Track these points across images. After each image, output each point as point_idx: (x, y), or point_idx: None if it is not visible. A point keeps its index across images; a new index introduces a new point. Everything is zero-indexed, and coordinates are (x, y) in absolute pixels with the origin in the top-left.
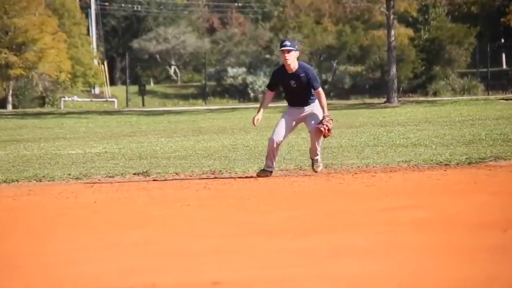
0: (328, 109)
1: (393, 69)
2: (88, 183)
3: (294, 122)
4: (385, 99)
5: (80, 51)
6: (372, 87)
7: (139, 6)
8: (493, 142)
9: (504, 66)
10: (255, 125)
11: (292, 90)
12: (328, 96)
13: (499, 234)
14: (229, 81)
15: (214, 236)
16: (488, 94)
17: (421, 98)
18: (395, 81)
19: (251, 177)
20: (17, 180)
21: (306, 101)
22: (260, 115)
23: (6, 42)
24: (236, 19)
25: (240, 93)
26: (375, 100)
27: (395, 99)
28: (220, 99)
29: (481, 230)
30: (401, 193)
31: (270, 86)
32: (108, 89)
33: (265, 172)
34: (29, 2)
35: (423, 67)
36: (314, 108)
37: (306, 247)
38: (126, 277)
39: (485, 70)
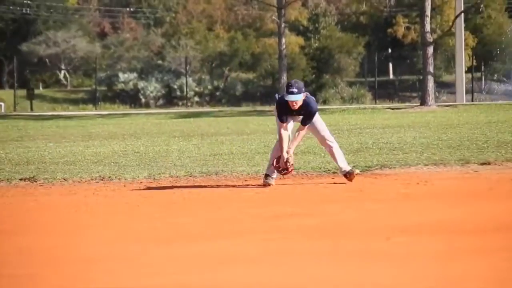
0: (220, 116)
1: (284, 77)
2: None
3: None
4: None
5: None
6: (264, 95)
7: (28, 9)
8: (379, 151)
9: (391, 76)
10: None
11: (293, 114)
12: (219, 102)
13: (382, 242)
14: (120, 86)
15: (101, 242)
16: (376, 103)
17: None
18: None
19: (141, 183)
20: None
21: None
22: (289, 152)
23: None
24: (128, 24)
25: (131, 98)
26: (266, 108)
27: None
28: (111, 104)
29: (366, 237)
30: (290, 200)
31: (282, 120)
32: None
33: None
34: None
35: (313, 75)
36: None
37: (195, 254)
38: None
39: (372, 79)
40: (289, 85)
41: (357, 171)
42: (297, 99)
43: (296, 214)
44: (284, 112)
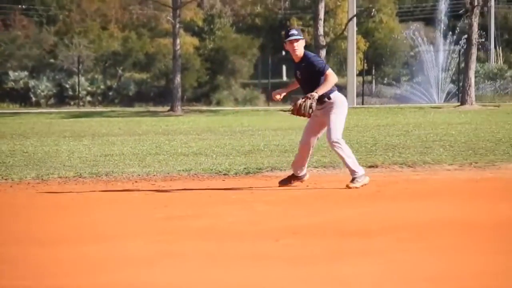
0: (112, 116)
1: (178, 78)
2: None
3: (317, 122)
4: (169, 108)
5: None
6: (157, 95)
7: None
8: (271, 153)
9: (285, 78)
10: (278, 99)
11: (299, 81)
12: (112, 102)
13: (271, 243)
14: (10, 85)
15: None
16: (269, 105)
17: (204, 108)
18: (179, 90)
19: (28, 183)
20: None
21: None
22: (282, 91)
23: None
24: (20, 22)
25: (22, 97)
26: (159, 108)
27: (179, 107)
28: (1, 103)
29: (255, 239)
30: (180, 202)
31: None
32: None
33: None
34: None
35: (208, 77)
36: (334, 108)
37: (82, 256)
38: None
39: (266, 81)
40: (287, 30)
41: (354, 185)
42: (298, 37)
43: (186, 216)
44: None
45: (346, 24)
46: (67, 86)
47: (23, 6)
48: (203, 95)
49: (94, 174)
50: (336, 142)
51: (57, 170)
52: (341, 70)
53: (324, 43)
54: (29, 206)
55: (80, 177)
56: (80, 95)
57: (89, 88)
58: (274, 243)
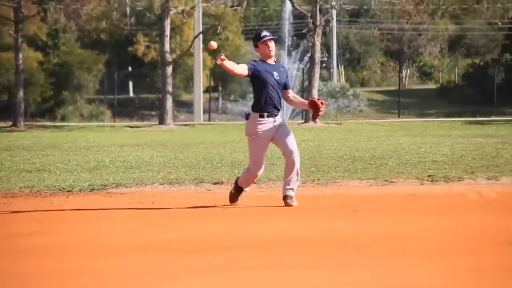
0: None
1: (21, 93)
2: None
3: (267, 142)
4: (11, 123)
5: None
6: None
7: None
8: (117, 169)
9: (131, 94)
10: (214, 47)
11: (273, 86)
12: None
13: (111, 260)
14: None
15: None
16: (115, 121)
17: (49, 123)
18: (22, 105)
19: None
20: None
21: (279, 105)
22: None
23: None
24: None
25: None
26: (2, 124)
27: (22, 123)
28: None
29: (95, 257)
30: (21, 219)
31: (249, 68)
32: None
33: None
34: None
35: (52, 92)
36: (282, 123)
37: None
38: None
39: (112, 97)
40: (259, 33)
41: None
42: (272, 37)
43: (25, 233)
44: (259, 68)
45: (192, 41)
46: None
47: None
48: (47, 110)
49: None
50: (297, 154)
51: None
52: (188, 86)
53: (171, 60)
54: None
55: None
56: None
57: None
58: (114, 260)
